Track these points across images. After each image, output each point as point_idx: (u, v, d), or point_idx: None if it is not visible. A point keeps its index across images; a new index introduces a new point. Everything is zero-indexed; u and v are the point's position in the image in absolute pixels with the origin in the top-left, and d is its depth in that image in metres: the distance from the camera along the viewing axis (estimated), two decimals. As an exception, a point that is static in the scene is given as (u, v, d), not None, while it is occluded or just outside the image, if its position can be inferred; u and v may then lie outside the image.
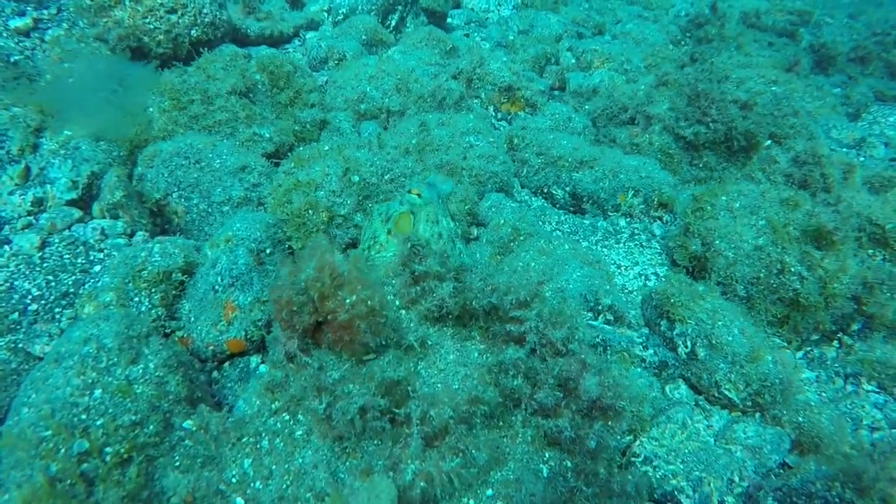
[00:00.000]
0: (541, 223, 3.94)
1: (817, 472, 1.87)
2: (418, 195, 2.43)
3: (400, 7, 7.38)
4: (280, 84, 4.68)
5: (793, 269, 2.98)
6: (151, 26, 4.81)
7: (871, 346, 2.99)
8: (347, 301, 1.73)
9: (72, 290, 2.43)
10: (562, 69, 6.94)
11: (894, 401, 2.72)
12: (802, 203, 3.07)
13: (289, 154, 4.25)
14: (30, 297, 2.35)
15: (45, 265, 2.46)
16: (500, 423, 1.92)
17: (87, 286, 2.46)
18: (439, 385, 1.86)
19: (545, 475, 1.86)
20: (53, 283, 2.41)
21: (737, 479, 2.11)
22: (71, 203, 2.81)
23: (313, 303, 1.77)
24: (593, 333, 2.52)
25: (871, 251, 3.11)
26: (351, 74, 5.14)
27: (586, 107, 5.96)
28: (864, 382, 2.87)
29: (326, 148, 3.41)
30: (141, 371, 1.92)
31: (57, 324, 2.32)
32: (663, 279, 3.03)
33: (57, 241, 2.60)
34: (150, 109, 3.80)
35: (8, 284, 2.34)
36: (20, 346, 2.21)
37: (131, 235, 2.87)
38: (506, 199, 3.77)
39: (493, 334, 2.11)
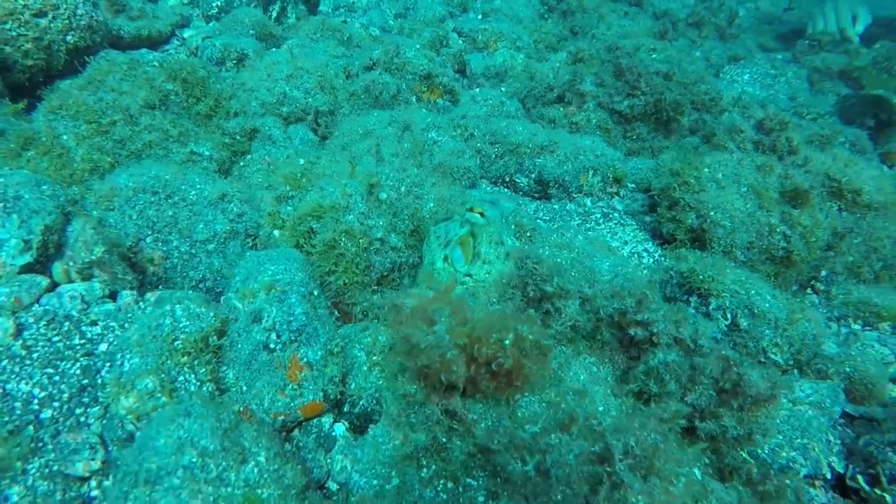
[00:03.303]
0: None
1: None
2: (481, 214, 2.23)
3: (280, -5, 6.83)
4: (196, 93, 4.11)
5: (778, 230, 3.23)
6: (14, 33, 3.94)
7: (847, 289, 3.35)
8: (507, 342, 1.54)
9: (85, 380, 1.92)
10: (459, 51, 6.86)
11: (890, 335, 3.08)
12: (775, 167, 3.33)
13: (227, 172, 3.81)
14: (35, 401, 1.81)
15: (34, 356, 1.91)
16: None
17: (104, 372, 1.95)
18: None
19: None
20: (57, 378, 1.88)
21: (832, 438, 2.26)
22: (26, 269, 2.23)
23: (466, 353, 1.55)
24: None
25: (828, 203, 3.46)
26: (262, 75, 4.66)
27: (502, 88, 5.97)
28: (852, 323, 3.21)
29: (301, 162, 3.05)
30: (255, 470, 1.58)
31: (87, 428, 1.83)
32: (675, 257, 3.13)
33: (31, 321, 2.04)
34: (64, 137, 3.13)
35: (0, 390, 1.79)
36: (56, 468, 1.70)
37: (112, 298, 2.35)
38: (486, 194, 3.66)
39: (602, 343, 2.03)
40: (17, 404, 1.79)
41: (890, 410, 2.40)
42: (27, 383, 1.84)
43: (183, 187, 2.67)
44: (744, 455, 1.87)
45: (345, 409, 2.13)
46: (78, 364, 1.96)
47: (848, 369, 2.63)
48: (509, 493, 1.54)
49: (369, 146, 3.03)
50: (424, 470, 1.65)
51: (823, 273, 3.50)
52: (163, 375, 1.90)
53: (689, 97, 4.91)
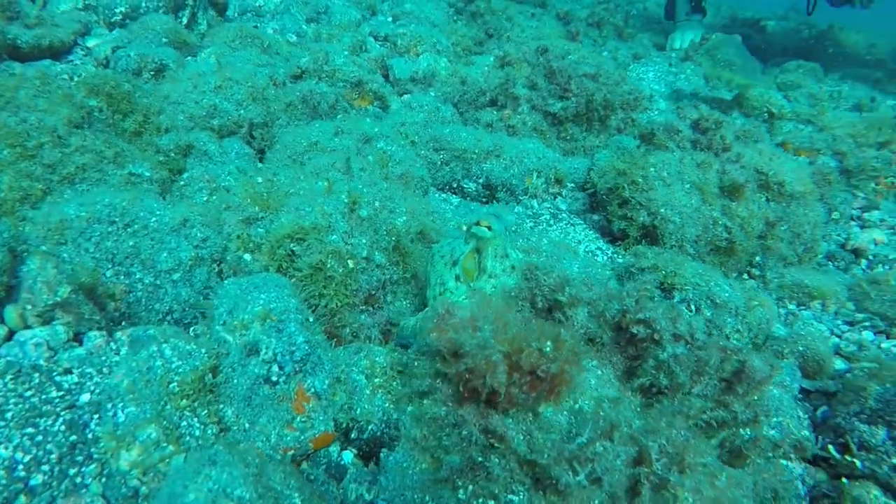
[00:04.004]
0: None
1: (887, 391, 2.27)
2: (488, 227, 2.22)
3: (190, 1, 6.46)
4: (122, 108, 3.84)
5: (720, 222, 3.48)
6: None
7: (780, 272, 3.65)
8: (546, 349, 1.55)
9: (73, 437, 1.72)
10: (381, 56, 6.79)
11: (821, 311, 3.40)
12: (713, 164, 3.57)
13: (168, 193, 3.56)
14: (20, 466, 1.60)
15: (7, 416, 1.69)
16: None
17: (93, 425, 1.76)
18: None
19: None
20: (40, 437, 1.68)
21: (801, 414, 2.46)
22: (-27, 318, 1.98)
23: (509, 359, 1.55)
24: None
25: (758, 195, 3.75)
26: (188, 86, 4.41)
27: (431, 93, 5.99)
28: (788, 303, 3.51)
29: (260, 180, 2.91)
30: (293, 514, 1.50)
31: (86, 490, 1.64)
32: (634, 254, 3.28)
33: (-8, 376, 1.81)
34: (-17, 165, 2.81)
35: (-23, 460, 1.57)
36: (58, 541, 1.52)
37: (77, 340, 2.14)
38: (443, 203, 3.66)
39: (602, 345, 2.10)
40: (1, 472, 1.58)
41: (841, 382, 2.64)
42: (6, 447, 1.63)
43: (142, 214, 2.47)
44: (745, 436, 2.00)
45: (352, 436, 2.06)
46: (61, 419, 1.76)
47: (801, 348, 2.86)
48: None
49: (332, 160, 2.94)
50: (461, 491, 1.63)
51: (758, 259, 3.79)
52: (164, 422, 1.75)
53: (616, 98, 5.15)
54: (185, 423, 1.80)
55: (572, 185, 4.59)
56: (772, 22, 13.29)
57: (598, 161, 4.50)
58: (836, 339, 3.13)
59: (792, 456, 2.41)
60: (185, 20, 6.42)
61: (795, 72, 8.41)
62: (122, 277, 2.37)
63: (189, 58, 5.71)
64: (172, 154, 3.82)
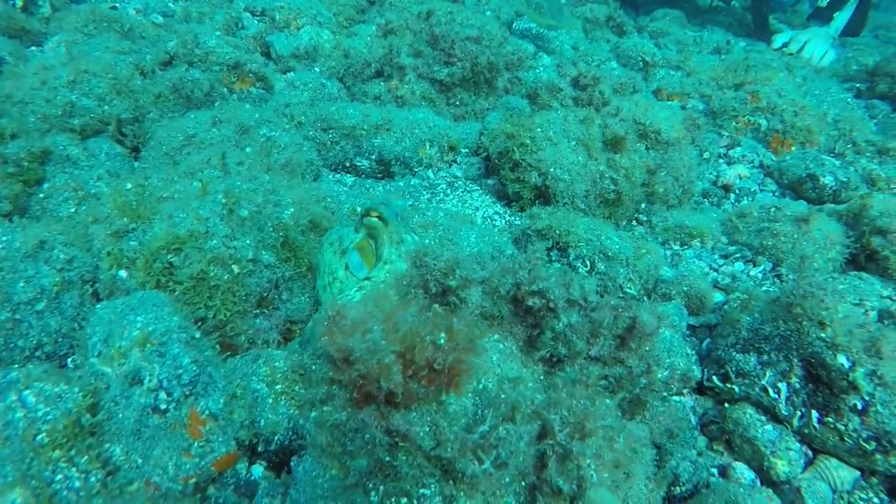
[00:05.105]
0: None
1: (755, 320, 2.47)
2: (379, 217, 2.16)
3: (24, -19, 5.80)
4: (-55, 117, 3.40)
5: (607, 175, 3.60)
6: None
7: (664, 216, 3.85)
8: (441, 341, 1.55)
9: None
10: (259, 33, 6.42)
11: (700, 248, 3.63)
12: (595, 119, 3.68)
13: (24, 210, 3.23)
14: None
15: None
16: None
17: None
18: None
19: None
20: None
21: (689, 351, 2.63)
22: None
23: (403, 357, 1.54)
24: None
25: (638, 145, 3.91)
26: (33, 82, 4.00)
27: (316, 69, 5.76)
28: (673, 244, 3.72)
29: (129, 186, 2.69)
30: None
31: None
32: (529, 216, 3.34)
33: None
34: None
35: None
36: None
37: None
38: (337, 184, 3.55)
39: (501, 319, 2.13)
40: None
41: (721, 314, 2.86)
42: None
43: (-16, 244, 2.22)
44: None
45: (259, 450, 1.99)
46: None
47: (685, 288, 3.05)
48: (465, 492, 1.58)
49: (207, 157, 2.76)
50: (373, 493, 1.62)
51: (643, 206, 3.99)
52: (33, 482, 1.60)
53: (501, 59, 5.16)
54: (59, 476, 1.65)
55: (466, 150, 4.60)
56: (638, -28, 13.80)
57: (489, 124, 4.53)
58: (714, 274, 3.37)
59: (684, 391, 2.59)
60: (19, 2, 5.75)
61: (663, 19, 8.78)
62: (-28, 321, 2.14)
63: (33, 48, 5.17)
64: (25, 163, 3.44)
